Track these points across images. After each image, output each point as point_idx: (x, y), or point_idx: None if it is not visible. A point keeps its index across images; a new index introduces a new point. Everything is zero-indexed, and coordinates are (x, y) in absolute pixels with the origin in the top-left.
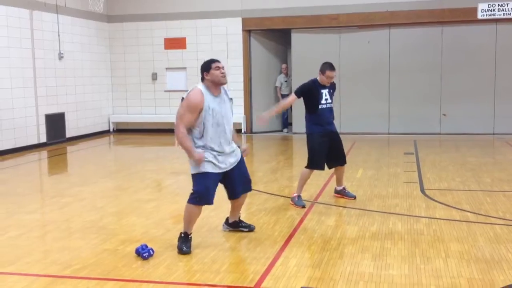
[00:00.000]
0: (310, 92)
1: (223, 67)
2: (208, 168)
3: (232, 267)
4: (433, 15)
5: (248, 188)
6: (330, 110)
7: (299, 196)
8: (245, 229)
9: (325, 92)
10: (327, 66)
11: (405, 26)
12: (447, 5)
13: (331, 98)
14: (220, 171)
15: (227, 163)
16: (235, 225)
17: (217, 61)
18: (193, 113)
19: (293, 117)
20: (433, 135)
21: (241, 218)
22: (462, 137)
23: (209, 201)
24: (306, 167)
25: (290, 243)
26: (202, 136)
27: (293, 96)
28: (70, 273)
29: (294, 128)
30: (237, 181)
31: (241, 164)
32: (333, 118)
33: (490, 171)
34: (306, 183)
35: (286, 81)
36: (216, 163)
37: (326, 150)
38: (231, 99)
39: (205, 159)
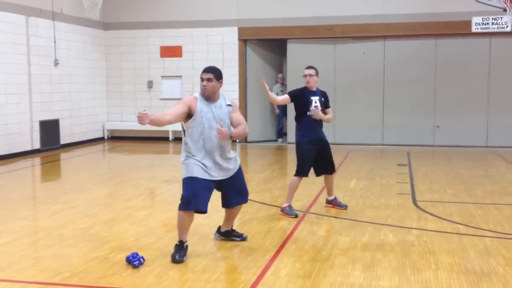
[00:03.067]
0: (297, 97)
1: (207, 79)
2: (197, 173)
3: (223, 276)
4: (428, 28)
5: (244, 200)
6: None
7: (290, 206)
8: (237, 238)
9: (315, 99)
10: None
11: (400, 38)
12: (441, 18)
13: (321, 105)
14: (212, 178)
15: (220, 172)
16: (227, 234)
17: (204, 71)
18: (183, 106)
19: (287, 127)
20: (427, 146)
21: (233, 228)
22: (455, 149)
23: (198, 207)
24: (295, 175)
25: (281, 253)
26: (194, 142)
27: (286, 96)
28: (59, 281)
29: (288, 138)
30: (232, 191)
31: (238, 174)
32: (322, 126)
33: (482, 184)
34: (299, 193)
35: (281, 91)
36: (206, 170)
37: (314, 158)
38: (229, 105)
39: (195, 164)
